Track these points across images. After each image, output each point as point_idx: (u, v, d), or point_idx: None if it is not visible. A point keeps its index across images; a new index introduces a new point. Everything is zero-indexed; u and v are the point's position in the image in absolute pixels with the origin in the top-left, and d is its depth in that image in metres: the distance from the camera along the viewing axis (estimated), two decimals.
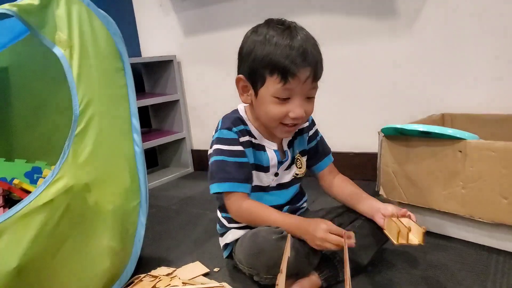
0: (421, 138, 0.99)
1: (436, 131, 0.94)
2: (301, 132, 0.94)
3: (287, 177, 0.92)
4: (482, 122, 1.20)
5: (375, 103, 1.45)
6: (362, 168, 1.47)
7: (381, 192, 1.10)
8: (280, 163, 0.90)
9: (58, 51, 0.89)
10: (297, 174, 0.93)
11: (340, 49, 1.46)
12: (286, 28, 0.79)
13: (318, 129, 0.98)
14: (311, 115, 0.89)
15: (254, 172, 0.88)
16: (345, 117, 1.53)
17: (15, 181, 1.08)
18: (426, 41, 1.31)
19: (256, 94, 0.82)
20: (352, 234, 0.74)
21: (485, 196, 0.90)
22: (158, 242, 1.18)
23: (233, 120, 0.87)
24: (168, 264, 1.01)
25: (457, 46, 1.26)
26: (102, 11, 0.98)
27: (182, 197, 1.61)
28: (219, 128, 0.87)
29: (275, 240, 0.74)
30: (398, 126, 1.00)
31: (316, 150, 0.97)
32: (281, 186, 0.91)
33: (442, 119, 1.28)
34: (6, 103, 1.32)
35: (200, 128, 2.00)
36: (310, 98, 0.82)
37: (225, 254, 0.97)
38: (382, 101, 1.43)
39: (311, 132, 0.96)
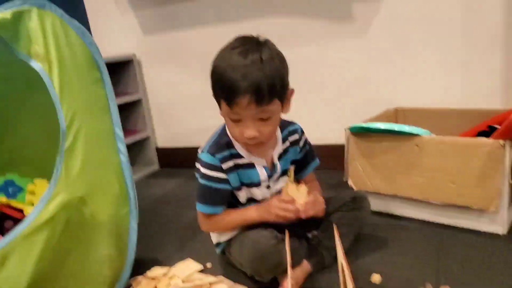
0: (383, 134, 1.12)
1: (396, 129, 1.07)
2: (293, 144, 0.98)
3: (279, 186, 0.97)
4: (430, 114, 1.37)
5: (335, 99, 1.57)
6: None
7: (350, 182, 1.23)
8: (270, 177, 0.94)
9: (36, 65, 0.88)
10: None
11: (301, 50, 1.56)
12: (245, 48, 0.78)
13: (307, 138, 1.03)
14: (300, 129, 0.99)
15: (245, 189, 0.94)
16: (310, 111, 1.63)
17: (1, 199, 1.06)
18: (380, 42, 1.45)
19: (221, 112, 0.86)
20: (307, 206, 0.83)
21: (437, 182, 1.06)
22: (144, 244, 1.22)
23: (219, 146, 0.89)
24: (159, 264, 1.06)
25: (407, 47, 1.41)
26: (76, 22, 0.98)
27: (155, 197, 1.64)
28: (205, 149, 0.91)
29: (275, 244, 0.82)
30: (364, 125, 1.12)
31: (304, 160, 1.02)
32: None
33: (396, 114, 1.43)
34: None
35: (163, 127, 2.01)
36: (265, 119, 0.81)
37: (218, 251, 1.04)
38: (342, 98, 1.56)
39: (301, 143, 1.00)
